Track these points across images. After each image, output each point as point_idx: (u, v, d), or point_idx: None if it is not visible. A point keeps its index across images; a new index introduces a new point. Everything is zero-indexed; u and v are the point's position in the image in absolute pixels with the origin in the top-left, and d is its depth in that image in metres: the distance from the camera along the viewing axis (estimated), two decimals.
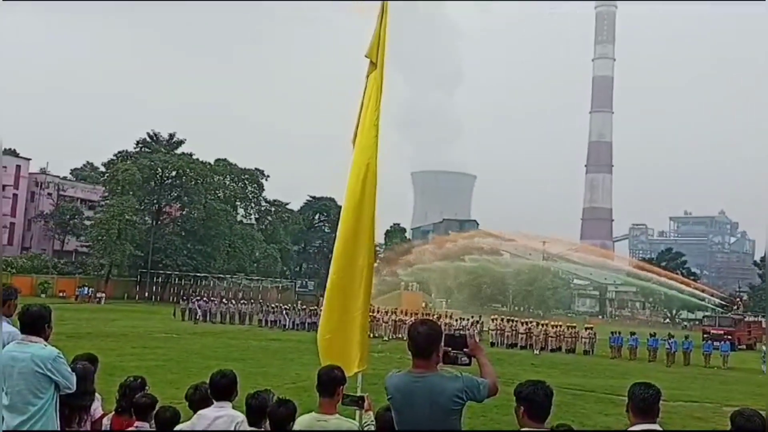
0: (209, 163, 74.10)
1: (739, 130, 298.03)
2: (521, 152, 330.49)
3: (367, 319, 5.65)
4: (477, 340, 4.03)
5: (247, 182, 79.51)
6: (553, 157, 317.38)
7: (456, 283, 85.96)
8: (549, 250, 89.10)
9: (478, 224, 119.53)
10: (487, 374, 3.84)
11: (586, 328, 36.31)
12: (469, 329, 38.58)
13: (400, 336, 33.84)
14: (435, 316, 39.08)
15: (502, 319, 37.81)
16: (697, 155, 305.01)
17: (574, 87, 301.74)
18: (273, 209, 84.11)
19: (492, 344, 35.05)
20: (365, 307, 5.50)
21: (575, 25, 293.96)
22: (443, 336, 3.89)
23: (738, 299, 68.42)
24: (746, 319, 54.56)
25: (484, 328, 38.69)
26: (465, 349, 3.89)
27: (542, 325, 36.52)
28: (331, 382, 4.31)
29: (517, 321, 37.51)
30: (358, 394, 4.93)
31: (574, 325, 37.89)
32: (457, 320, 39.40)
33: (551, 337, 34.89)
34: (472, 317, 41.41)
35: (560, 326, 36.29)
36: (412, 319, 32.62)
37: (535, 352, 33.04)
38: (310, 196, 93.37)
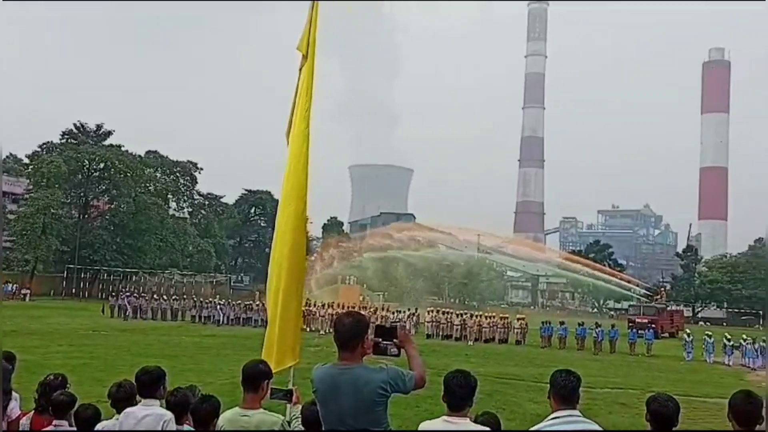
0: (139, 156, 72.20)
1: (662, 126, 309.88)
2: (457, 147, 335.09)
3: (300, 312, 5.64)
4: (407, 331, 4.04)
5: (179, 175, 77.84)
6: (487, 152, 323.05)
7: (393, 276, 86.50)
8: (484, 243, 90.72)
9: (414, 218, 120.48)
10: (415, 366, 3.83)
11: (518, 319, 37.11)
12: (405, 322, 38.97)
13: None
14: (372, 309, 39.27)
15: (438, 312, 38.28)
16: (624, 151, 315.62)
17: (509, 83, 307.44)
18: (207, 203, 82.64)
19: (428, 336, 35.47)
20: (298, 301, 5.48)
21: (511, 22, 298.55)
22: (372, 327, 3.89)
23: (661, 289, 71.22)
24: (669, 309, 56.79)
25: (421, 321, 39.08)
26: (395, 340, 3.89)
27: (476, 316, 37.16)
28: (255, 377, 4.25)
29: (452, 313, 38.04)
30: (288, 387, 4.91)
31: (507, 316, 38.68)
32: (393, 313, 39.64)
33: (485, 328, 35.55)
34: (409, 310, 41.75)
35: (493, 317, 37.02)
36: None
37: (469, 342, 33.60)
38: (246, 190, 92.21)
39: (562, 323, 35.35)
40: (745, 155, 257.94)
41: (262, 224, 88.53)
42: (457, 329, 35.69)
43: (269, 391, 4.36)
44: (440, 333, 35.86)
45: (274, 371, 4.67)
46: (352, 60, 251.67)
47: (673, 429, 3.80)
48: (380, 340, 3.89)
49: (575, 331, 34.12)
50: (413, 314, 39.82)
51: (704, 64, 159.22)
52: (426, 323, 37.38)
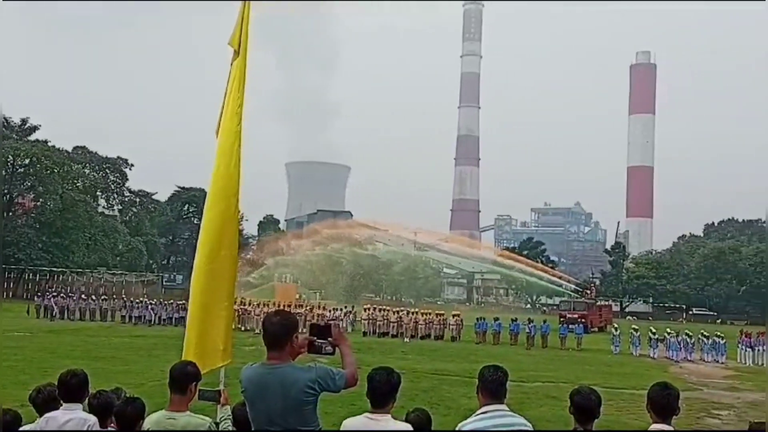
0: (67, 151, 69.83)
1: (593, 126, 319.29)
2: (395, 145, 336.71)
3: (232, 311, 5.55)
4: (341, 330, 4.03)
5: (108, 171, 75.58)
6: (425, 150, 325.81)
7: (330, 274, 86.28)
8: (420, 240, 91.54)
9: (352, 215, 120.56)
10: (348, 364, 3.83)
11: (454, 315, 37.56)
12: (342, 319, 38.95)
13: None
14: (308, 308, 39.08)
15: (375, 309, 38.40)
16: (556, 150, 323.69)
17: (446, 82, 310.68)
18: (138, 200, 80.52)
19: (364, 333, 35.54)
20: (229, 300, 5.40)
21: (449, 22, 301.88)
22: (307, 326, 3.88)
23: (591, 285, 73.45)
24: (598, 304, 58.50)
25: (357, 318, 39.14)
26: (329, 339, 3.88)
27: (412, 313, 37.43)
28: (183, 379, 4.17)
29: (388, 310, 38.20)
30: (218, 388, 4.84)
31: (443, 312, 39.11)
32: (330, 311, 39.56)
33: (421, 325, 35.86)
34: (345, 307, 41.77)
35: (429, 314, 37.38)
36: None
37: (406, 339, 33.84)
38: (179, 187, 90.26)
39: (496, 319, 35.99)
40: (670, 155, 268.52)
41: (196, 222, 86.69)
42: (393, 326, 35.87)
43: (197, 393, 4.29)
44: (377, 330, 35.98)
45: (203, 372, 4.60)
46: (289, 57, 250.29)
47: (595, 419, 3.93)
48: (315, 338, 3.89)
49: (509, 326, 34.78)
50: (350, 312, 39.86)
51: (632, 66, 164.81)
52: (362, 321, 37.45)
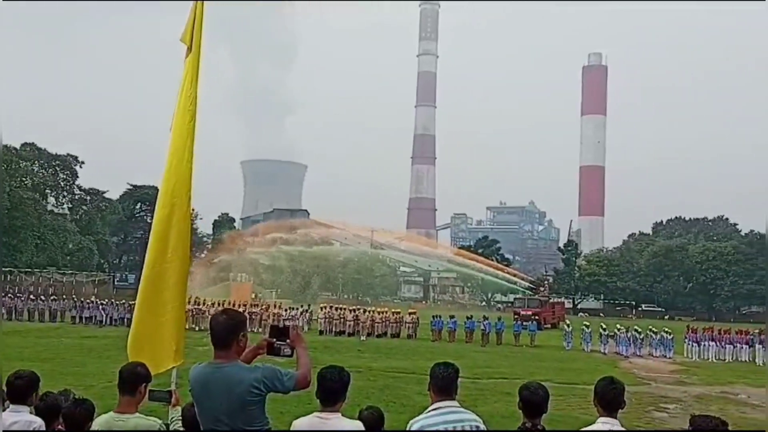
0: (14, 148, 67.78)
1: (546, 126, 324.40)
2: (352, 143, 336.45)
3: (183, 311, 5.48)
4: (299, 331, 4.02)
5: (58, 169, 73.68)
6: (382, 149, 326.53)
7: (286, 273, 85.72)
8: (377, 239, 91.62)
9: (308, 214, 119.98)
10: (301, 365, 3.80)
11: (410, 313, 37.72)
12: (298, 318, 38.74)
13: None
14: (264, 307, 38.79)
15: (331, 307, 38.31)
16: (511, 149, 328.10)
17: (404, 81, 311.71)
18: (88, 198, 78.61)
19: (321, 332, 35.44)
20: (181, 300, 5.33)
21: (406, 21, 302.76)
22: (257, 326, 3.87)
23: (544, 282, 74.54)
24: (551, 301, 59.46)
25: (314, 317, 38.99)
26: (288, 340, 3.86)
27: (369, 311, 37.45)
28: (132, 380, 4.11)
29: (345, 309, 38.17)
30: (170, 389, 4.79)
31: (399, 310, 39.23)
32: (286, 310, 39.32)
33: (377, 323, 35.92)
34: (302, 306, 41.56)
35: (386, 312, 37.45)
36: (240, 310, 32.11)
37: (362, 338, 33.86)
38: (131, 185, 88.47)
39: (451, 317, 36.27)
40: (620, 155, 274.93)
41: (149, 220, 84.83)
42: (350, 325, 35.85)
43: (148, 394, 4.23)
44: (333, 329, 35.91)
45: (154, 373, 4.54)
46: (246, 55, 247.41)
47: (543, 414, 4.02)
48: (275, 340, 3.87)
49: (464, 324, 35.07)
50: (306, 311, 39.68)
51: (584, 68, 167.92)
52: (319, 319, 37.33)
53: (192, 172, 5.39)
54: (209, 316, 34.91)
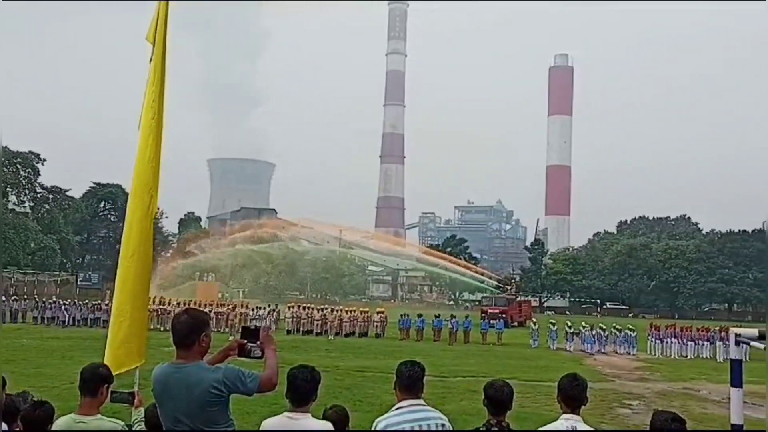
0: None
1: (514, 126, 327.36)
2: (320, 142, 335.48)
3: (146, 311, 5.44)
4: (269, 333, 3.98)
5: (19, 166, 72.05)
6: (351, 148, 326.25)
7: (254, 272, 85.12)
8: (345, 237, 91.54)
9: (276, 212, 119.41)
10: (267, 367, 3.75)
11: (378, 312, 37.71)
12: (265, 318, 38.48)
13: None
14: (230, 307, 38.43)
15: (299, 307, 38.14)
16: (479, 148, 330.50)
17: (373, 80, 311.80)
18: (51, 196, 77.07)
19: (288, 332, 35.25)
20: (143, 299, 5.27)
21: (374, 19, 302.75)
22: (223, 325, 3.84)
23: (511, 281, 75.23)
24: (518, 299, 59.97)
25: (281, 317, 38.77)
26: (258, 342, 3.82)
27: (337, 311, 37.36)
28: (93, 380, 4.04)
29: (312, 308, 38.02)
30: (132, 390, 4.72)
31: (367, 309, 39.20)
32: (253, 309, 39.02)
33: (345, 322, 35.84)
34: (269, 306, 41.28)
35: (354, 311, 37.39)
36: (207, 310, 31.78)
37: (330, 337, 33.77)
38: (95, 183, 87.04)
39: (419, 316, 36.36)
40: (586, 155, 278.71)
41: (113, 219, 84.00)
42: (317, 324, 35.71)
43: (109, 395, 4.16)
44: (301, 328, 35.75)
45: (115, 373, 4.47)
46: (214, 53, 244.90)
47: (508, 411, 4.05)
48: (246, 342, 3.83)
49: (432, 323, 35.19)
50: (273, 310, 39.43)
51: (550, 68, 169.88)
52: (286, 319, 37.12)
53: (158, 171, 5.34)
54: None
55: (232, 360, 3.84)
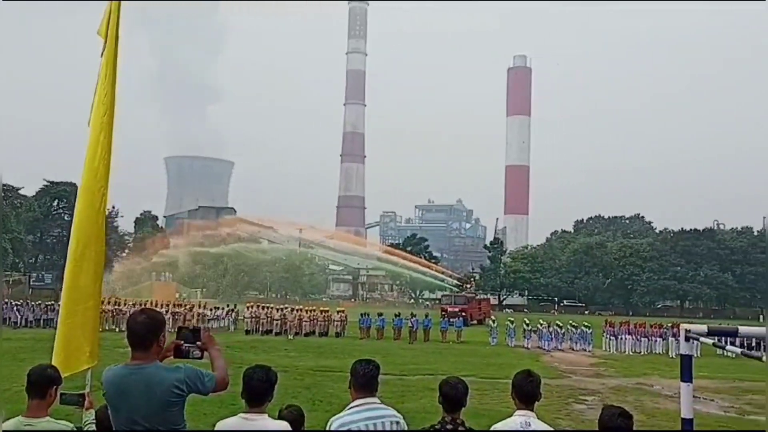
0: None
1: (474, 126, 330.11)
2: (280, 141, 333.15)
3: (98, 311, 5.31)
4: (210, 333, 3.95)
5: None
6: (311, 146, 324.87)
7: (212, 272, 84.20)
8: (306, 237, 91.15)
9: (235, 211, 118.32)
10: (218, 368, 3.75)
11: (338, 312, 37.67)
12: (224, 318, 38.13)
13: None
14: (188, 307, 37.96)
15: (258, 306, 37.86)
16: (439, 148, 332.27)
17: (333, 78, 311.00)
18: (2, 195, 74.86)
19: (247, 332, 34.97)
20: (95, 299, 5.16)
21: (334, 19, 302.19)
22: (177, 328, 3.78)
23: (471, 279, 75.87)
24: (477, 297, 60.44)
25: (240, 317, 38.44)
26: (198, 343, 3.81)
27: (297, 310, 37.17)
28: (41, 382, 3.94)
29: (272, 308, 37.77)
30: (83, 392, 4.62)
31: (327, 309, 39.11)
32: (211, 310, 38.61)
33: (305, 321, 35.68)
34: (228, 306, 40.88)
35: (314, 311, 37.26)
36: (163, 310, 31.31)
37: (290, 337, 33.60)
38: (48, 181, 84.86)
39: (380, 314, 36.42)
40: (544, 155, 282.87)
41: (66, 218, 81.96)
42: (277, 324, 35.49)
43: (59, 397, 4.07)
44: (260, 328, 35.48)
45: (65, 375, 4.37)
46: (172, 50, 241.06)
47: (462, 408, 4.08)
48: (182, 342, 3.80)
49: (392, 321, 35.29)
50: (232, 310, 39.09)
51: (509, 69, 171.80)
52: (245, 319, 36.80)
53: (108, 168, 5.25)
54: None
55: (169, 361, 3.79)
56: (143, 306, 34.39)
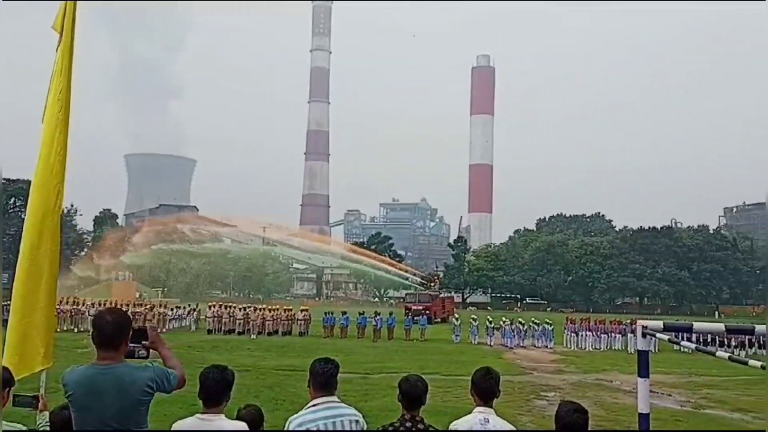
0: None
1: (437, 126, 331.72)
2: (243, 139, 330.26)
3: (53, 311, 5.20)
4: (157, 332, 3.93)
5: None
6: (274, 144, 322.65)
7: (173, 271, 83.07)
8: (269, 235, 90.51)
9: (197, 210, 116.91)
10: (175, 366, 3.77)
11: (302, 310, 37.49)
12: (185, 318, 37.66)
13: None
14: (148, 306, 37.39)
15: (220, 306, 37.46)
16: (403, 147, 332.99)
17: (297, 76, 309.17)
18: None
19: (209, 331, 34.59)
20: (50, 299, 5.04)
21: (298, 17, 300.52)
22: (131, 324, 3.73)
23: (435, 277, 76.25)
24: (441, 295, 60.69)
25: (202, 316, 38.00)
26: (143, 342, 3.80)
27: (260, 309, 36.89)
28: None
29: (234, 307, 37.41)
30: (37, 393, 4.52)
31: (291, 308, 38.90)
32: (172, 309, 38.09)
33: (268, 320, 35.41)
34: (189, 305, 40.37)
35: (277, 310, 37.02)
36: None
37: (253, 336, 33.32)
38: (4, 179, 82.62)
39: (344, 313, 36.34)
40: (507, 154, 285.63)
41: (23, 216, 79.92)
42: (239, 323, 35.17)
43: (11, 399, 3.96)
44: (222, 328, 35.12)
45: (19, 377, 4.27)
46: (133, 48, 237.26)
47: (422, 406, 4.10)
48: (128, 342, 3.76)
49: (356, 320, 35.25)
50: (194, 309, 38.62)
51: (473, 68, 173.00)
52: (207, 318, 36.39)
53: (64, 165, 5.14)
54: (89, 317, 33.29)
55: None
56: (102, 305, 33.87)
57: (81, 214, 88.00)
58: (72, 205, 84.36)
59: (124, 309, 31.47)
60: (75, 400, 3.56)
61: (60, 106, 5.17)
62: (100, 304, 34.55)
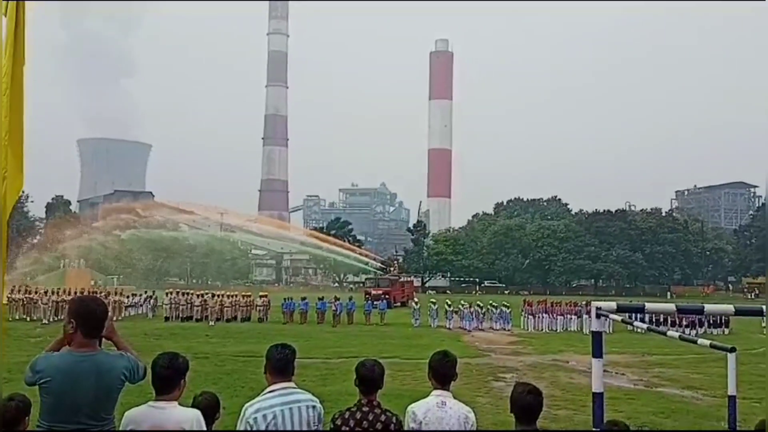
0: None
1: (397, 110, 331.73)
2: (200, 123, 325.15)
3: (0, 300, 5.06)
4: (112, 322, 3.88)
5: None
6: (231, 129, 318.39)
7: (129, 258, 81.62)
8: (227, 221, 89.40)
9: (153, 195, 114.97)
10: (134, 355, 3.85)
11: (261, 296, 37.26)
12: (141, 305, 37.10)
13: (62, 318, 30.90)
14: (104, 294, 36.66)
15: (177, 293, 36.97)
16: (363, 131, 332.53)
17: (254, 60, 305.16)
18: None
19: (166, 318, 34.16)
20: None
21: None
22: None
23: (394, 262, 76.49)
24: (401, 280, 60.95)
25: (159, 303, 37.48)
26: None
27: (218, 296, 36.53)
28: None
29: (192, 294, 36.95)
30: None
31: (250, 294, 38.60)
32: (128, 297, 37.48)
33: (227, 307, 35.11)
34: (146, 293, 39.75)
35: (236, 296, 36.72)
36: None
37: (211, 323, 33.01)
38: None
39: (303, 299, 36.23)
40: (465, 139, 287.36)
41: None
42: (197, 310, 34.79)
43: None
44: (180, 315, 34.68)
45: None
46: (86, 29, 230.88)
47: (379, 391, 4.11)
48: None
49: (316, 305, 35.19)
50: (150, 297, 38.06)
51: (431, 53, 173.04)
52: (164, 305, 35.90)
53: (7, 149, 4.95)
54: (42, 306, 32.45)
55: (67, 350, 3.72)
56: (57, 294, 33.10)
57: (32, 201, 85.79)
58: (23, 192, 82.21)
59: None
60: (51, 386, 3.54)
61: (4, 89, 4.98)
62: (53, 292, 33.78)
